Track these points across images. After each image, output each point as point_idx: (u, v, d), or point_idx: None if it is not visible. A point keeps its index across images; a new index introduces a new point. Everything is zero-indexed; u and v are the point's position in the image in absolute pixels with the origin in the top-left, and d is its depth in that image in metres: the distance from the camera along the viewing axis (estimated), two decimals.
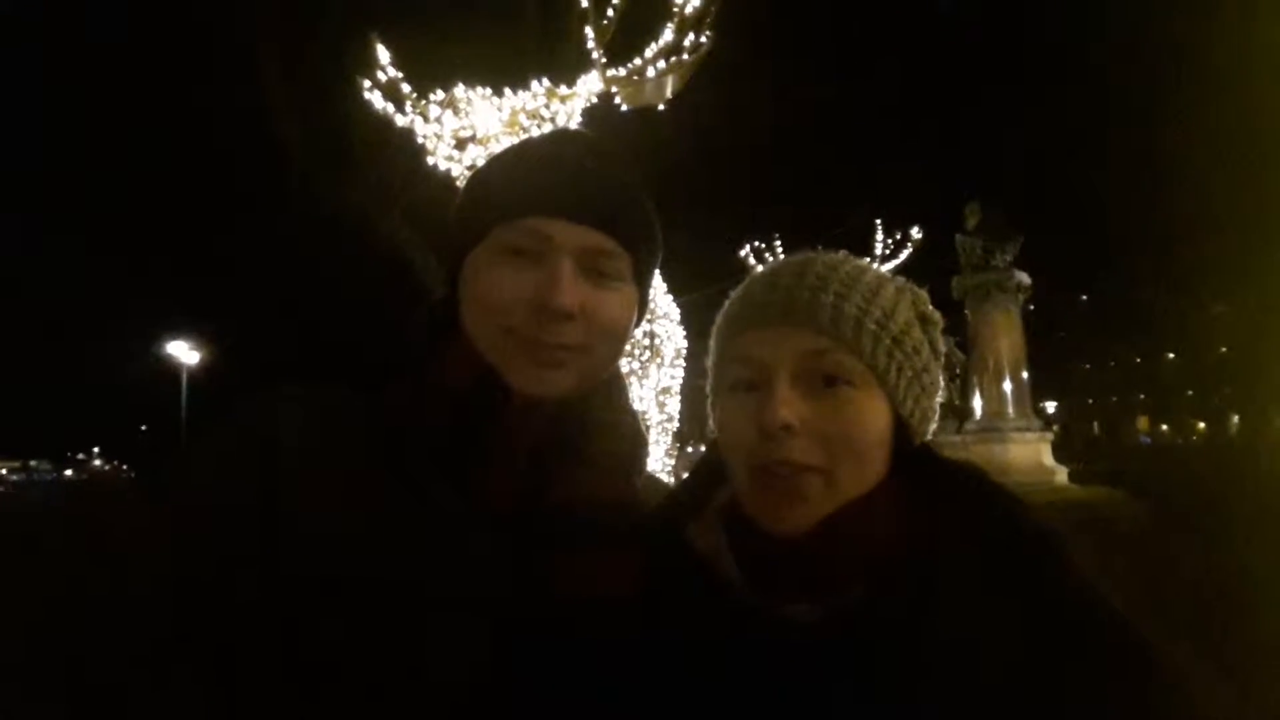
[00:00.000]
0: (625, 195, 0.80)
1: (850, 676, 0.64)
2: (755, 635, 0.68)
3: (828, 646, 0.66)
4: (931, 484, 0.73)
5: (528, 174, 0.78)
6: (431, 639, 0.67)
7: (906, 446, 0.74)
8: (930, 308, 0.78)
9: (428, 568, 0.68)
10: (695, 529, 0.78)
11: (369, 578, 0.66)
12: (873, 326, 0.71)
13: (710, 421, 0.80)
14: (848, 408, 0.70)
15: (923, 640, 0.63)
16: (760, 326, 0.74)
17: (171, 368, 28.10)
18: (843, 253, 0.78)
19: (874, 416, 0.71)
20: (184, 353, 27.66)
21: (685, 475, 0.85)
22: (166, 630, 0.62)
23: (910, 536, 0.69)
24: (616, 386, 0.87)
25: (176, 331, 28.62)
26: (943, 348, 0.78)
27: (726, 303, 0.81)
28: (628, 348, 0.88)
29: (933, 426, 0.78)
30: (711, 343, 0.81)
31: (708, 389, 0.82)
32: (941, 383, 0.78)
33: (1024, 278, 13.00)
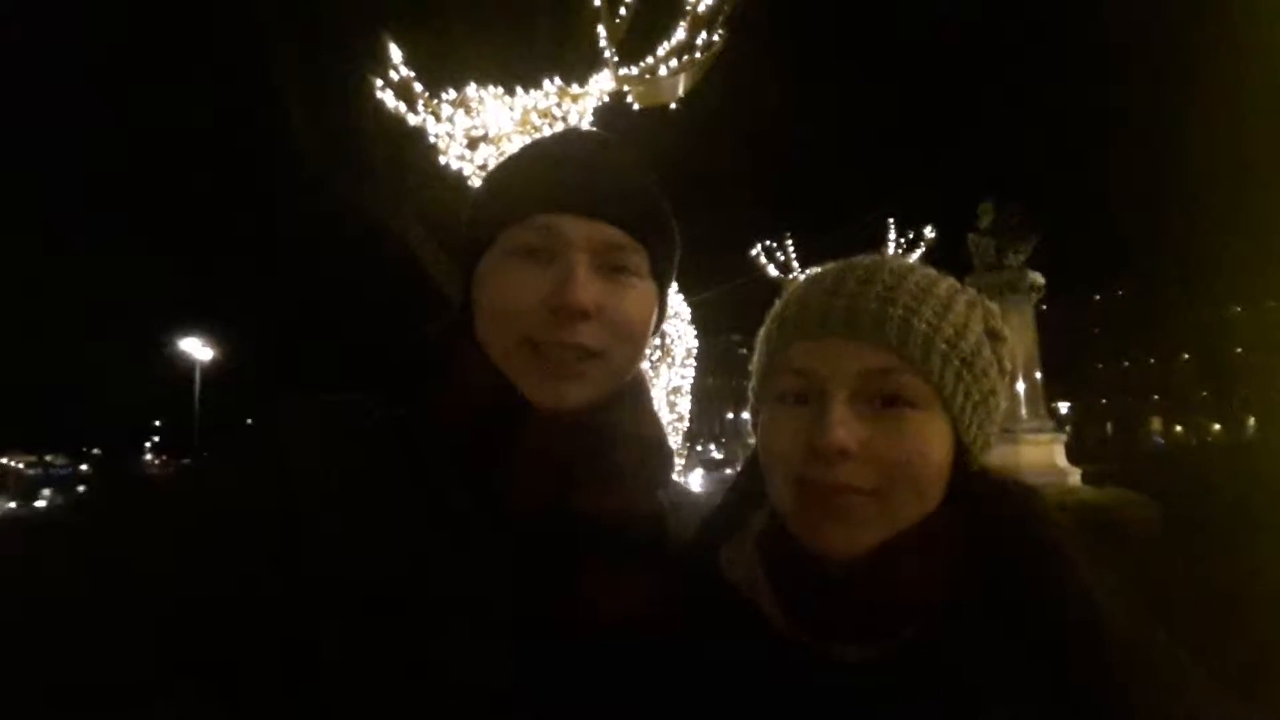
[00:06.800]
0: (637, 189, 0.79)
1: None
2: (793, 674, 0.63)
3: (872, 690, 0.61)
4: (986, 516, 0.66)
5: (536, 172, 0.77)
6: (449, 645, 0.66)
7: (964, 471, 0.67)
8: (1000, 323, 0.71)
9: (446, 574, 0.68)
10: (730, 555, 0.73)
11: (387, 583, 0.66)
12: (943, 346, 0.65)
13: (751, 429, 0.75)
14: (909, 432, 0.63)
15: (972, 690, 0.58)
16: (818, 336, 0.67)
17: (185, 365, 28.32)
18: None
19: (936, 442, 0.65)
20: (197, 349, 27.84)
21: (722, 495, 0.80)
22: (181, 636, 0.62)
23: (965, 574, 0.63)
24: (641, 394, 0.83)
25: (189, 328, 28.83)
26: (1009, 366, 0.71)
27: (779, 303, 0.74)
28: None
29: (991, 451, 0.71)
30: (759, 345, 0.75)
31: (750, 393, 0.77)
32: (1005, 403, 0.70)
33: (1037, 277, 12.85)
